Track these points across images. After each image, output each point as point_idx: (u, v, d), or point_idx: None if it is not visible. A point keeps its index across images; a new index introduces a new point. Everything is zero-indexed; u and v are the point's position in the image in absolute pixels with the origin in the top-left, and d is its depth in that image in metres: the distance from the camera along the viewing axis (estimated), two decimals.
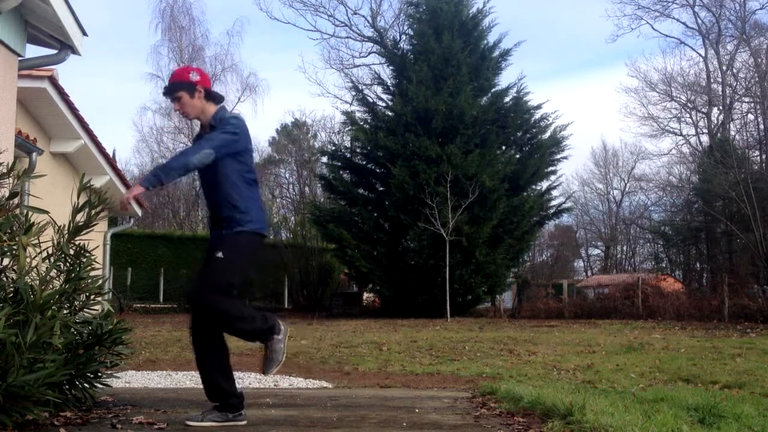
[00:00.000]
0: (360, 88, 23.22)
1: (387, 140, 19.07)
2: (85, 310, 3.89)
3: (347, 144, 24.08)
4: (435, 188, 17.93)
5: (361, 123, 21.35)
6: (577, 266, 44.30)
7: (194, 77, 3.57)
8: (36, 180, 5.29)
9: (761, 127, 29.01)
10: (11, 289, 3.40)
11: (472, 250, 18.22)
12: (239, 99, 34.30)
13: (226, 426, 3.45)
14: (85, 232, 3.76)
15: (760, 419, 4.15)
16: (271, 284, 23.81)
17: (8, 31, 5.76)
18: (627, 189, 41.26)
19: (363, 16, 28.33)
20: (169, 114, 33.14)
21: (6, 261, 3.59)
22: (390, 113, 20.79)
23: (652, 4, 31.56)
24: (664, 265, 31.74)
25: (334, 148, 23.48)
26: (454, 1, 20.52)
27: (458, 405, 4.30)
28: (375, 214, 20.22)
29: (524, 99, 20.95)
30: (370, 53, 28.61)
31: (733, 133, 30.46)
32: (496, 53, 21.10)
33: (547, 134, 21.02)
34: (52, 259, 3.64)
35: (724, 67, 30.39)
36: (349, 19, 28.96)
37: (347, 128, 23.89)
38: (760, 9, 40.99)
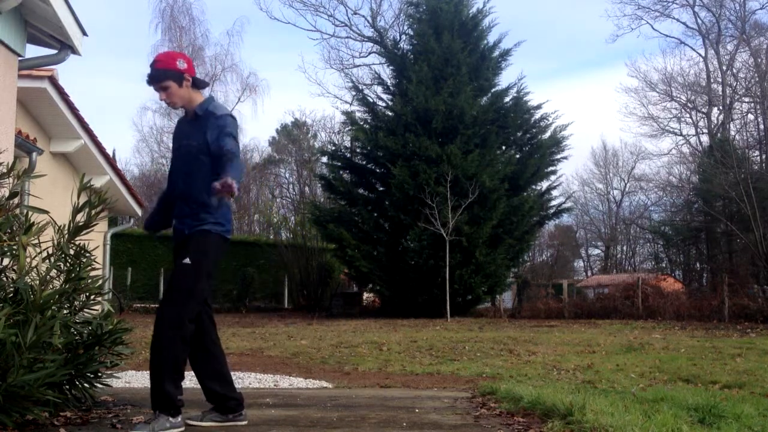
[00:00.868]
0: (360, 88, 23.21)
1: (387, 140, 19.07)
2: (85, 310, 3.89)
3: (347, 144, 24.08)
4: (435, 188, 17.93)
5: (361, 123, 21.35)
6: (577, 266, 44.38)
7: (182, 65, 3.40)
8: (36, 180, 5.29)
9: (761, 127, 29.02)
10: (11, 289, 3.40)
11: (472, 250, 18.22)
12: (239, 99, 34.27)
13: (226, 426, 3.45)
14: (85, 232, 3.76)
15: (760, 419, 4.15)
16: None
17: (8, 31, 5.76)
18: (627, 189, 41.34)
19: (363, 16, 28.38)
20: (169, 114, 33.12)
21: (6, 261, 3.59)
22: (390, 113, 20.78)
23: (652, 4, 31.61)
24: (664, 265, 31.73)
25: (334, 148, 23.47)
26: (454, 1, 20.51)
27: (458, 405, 4.30)
28: (375, 214, 20.22)
29: (524, 99, 20.95)
30: (370, 53, 28.65)
31: (733, 133, 30.49)
32: (496, 53, 21.10)
33: (547, 134, 21.03)
34: (52, 259, 3.64)
35: (724, 67, 30.39)
36: (349, 19, 29.01)
37: (347, 128, 23.91)
38: (760, 9, 41.12)
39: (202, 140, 3.38)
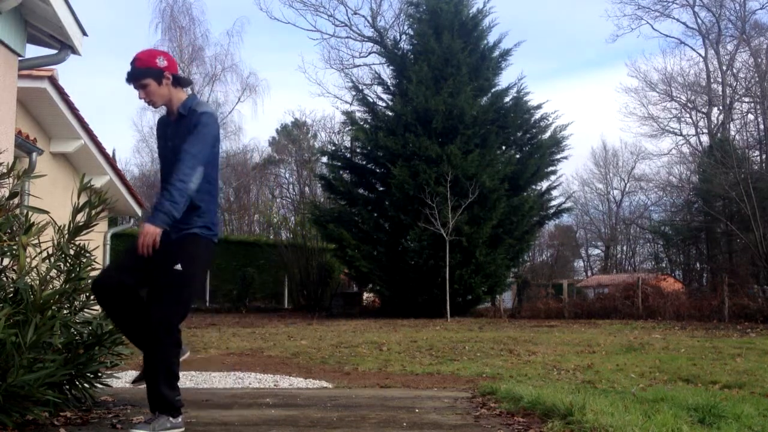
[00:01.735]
0: (360, 88, 23.22)
1: (387, 140, 19.07)
2: (85, 310, 3.89)
3: (347, 144, 24.09)
4: (435, 188, 17.93)
5: (361, 123, 21.35)
6: (577, 266, 44.34)
7: (161, 62, 3.33)
8: (36, 180, 5.29)
9: (761, 127, 29.02)
10: (11, 289, 3.40)
11: (472, 250, 18.22)
12: (239, 99, 34.30)
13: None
14: (85, 232, 3.76)
15: (760, 419, 4.15)
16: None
17: (8, 31, 5.76)
18: (627, 189, 41.31)
19: (363, 16, 28.37)
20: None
21: (6, 261, 3.59)
22: (390, 113, 20.78)
23: (652, 4, 31.62)
24: (664, 265, 31.72)
25: (334, 148, 23.48)
26: (454, 1, 20.51)
27: (458, 405, 4.30)
28: (375, 214, 20.22)
29: (524, 99, 20.96)
30: (370, 53, 28.64)
31: (733, 133, 30.50)
32: (496, 53, 21.10)
33: (547, 134, 21.03)
34: (52, 259, 3.64)
35: (724, 67, 30.39)
36: (349, 19, 28.99)
37: (347, 128, 23.92)
38: (760, 9, 41.03)
39: None
